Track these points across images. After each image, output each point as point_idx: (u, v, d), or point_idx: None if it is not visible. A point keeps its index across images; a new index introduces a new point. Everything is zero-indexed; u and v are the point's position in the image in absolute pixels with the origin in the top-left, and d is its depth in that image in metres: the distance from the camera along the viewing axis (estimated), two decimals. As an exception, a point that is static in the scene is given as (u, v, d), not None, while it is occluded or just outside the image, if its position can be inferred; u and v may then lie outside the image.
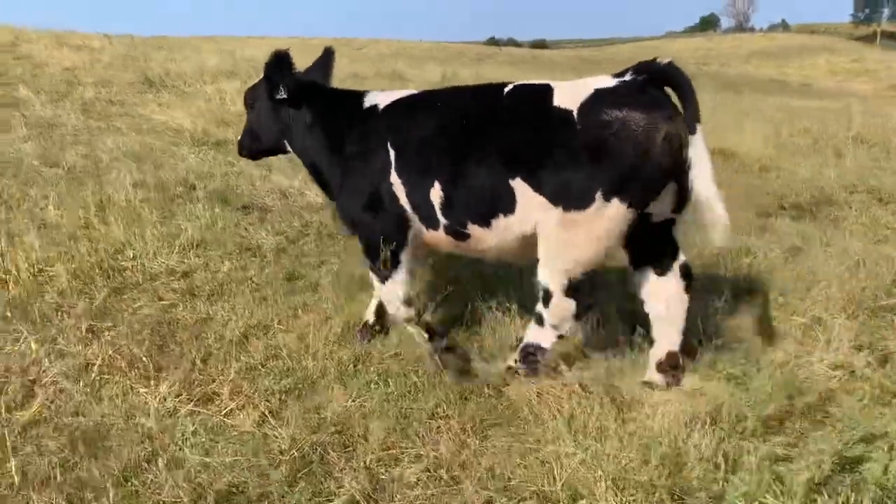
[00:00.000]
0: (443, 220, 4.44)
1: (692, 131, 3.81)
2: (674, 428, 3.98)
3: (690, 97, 3.86)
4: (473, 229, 4.36)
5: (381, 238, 4.65)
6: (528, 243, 4.26)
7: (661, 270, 4.31)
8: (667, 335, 4.39)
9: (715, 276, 6.25)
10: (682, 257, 4.32)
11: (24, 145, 11.13)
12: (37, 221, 7.70)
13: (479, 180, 4.20)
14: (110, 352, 5.04)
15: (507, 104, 4.24)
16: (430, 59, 49.96)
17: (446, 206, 4.36)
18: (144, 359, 4.95)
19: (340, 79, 5.59)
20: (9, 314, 5.65)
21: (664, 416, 4.05)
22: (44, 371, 4.87)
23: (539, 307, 4.38)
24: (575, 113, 3.92)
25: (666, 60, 3.96)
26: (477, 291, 5.72)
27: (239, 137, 5.42)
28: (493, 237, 4.33)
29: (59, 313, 5.78)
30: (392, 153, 4.53)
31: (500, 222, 4.23)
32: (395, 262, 4.73)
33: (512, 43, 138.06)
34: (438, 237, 4.62)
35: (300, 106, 4.89)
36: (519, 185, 4.08)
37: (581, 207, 3.93)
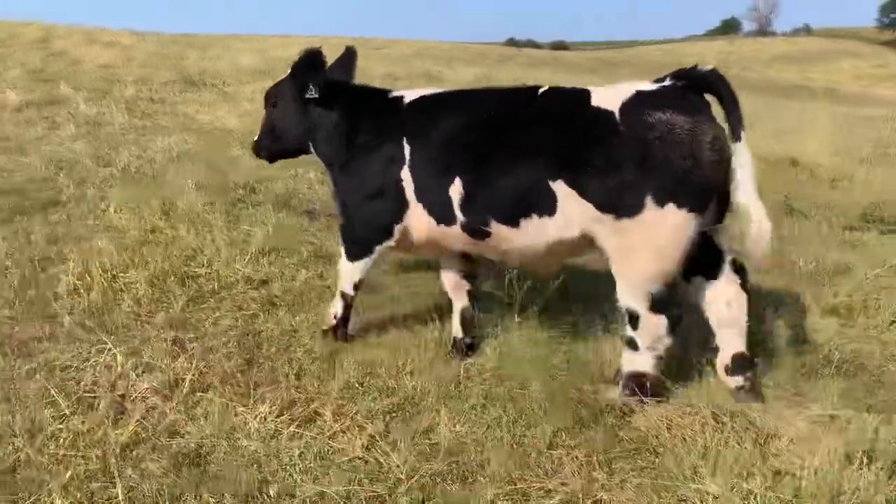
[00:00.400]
0: (460, 217, 4.36)
1: (737, 139, 3.76)
2: (824, 465, 3.68)
3: (734, 104, 3.80)
4: (498, 228, 4.25)
5: (367, 228, 4.73)
6: (558, 249, 4.23)
7: (713, 274, 4.19)
8: (730, 337, 4.23)
9: (820, 293, 5.95)
10: (728, 256, 4.18)
11: (74, 144, 10.98)
12: (101, 224, 7.47)
13: (510, 179, 4.12)
14: (201, 366, 4.78)
15: (544, 105, 4.19)
16: (453, 59, 49.65)
17: (466, 202, 4.28)
18: (238, 375, 4.70)
19: (372, 80, 5.32)
20: (88, 323, 5.43)
21: (812, 453, 3.75)
22: (132, 386, 4.65)
23: (628, 330, 4.21)
24: (616, 114, 3.83)
25: (708, 67, 3.90)
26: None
27: (256, 137, 5.25)
28: (520, 237, 4.21)
29: (139, 323, 5.56)
30: (406, 146, 4.48)
31: (533, 223, 4.13)
32: (369, 251, 4.81)
33: (531, 44, 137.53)
34: (450, 233, 4.51)
35: (330, 105, 4.80)
36: (560, 188, 3.99)
37: (631, 214, 3.82)
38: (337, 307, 5.09)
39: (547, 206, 4.05)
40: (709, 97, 3.99)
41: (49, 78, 17.43)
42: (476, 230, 4.39)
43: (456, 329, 5.11)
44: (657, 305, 4.04)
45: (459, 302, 5.11)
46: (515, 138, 4.16)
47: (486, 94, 4.75)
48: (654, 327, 4.09)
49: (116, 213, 7.82)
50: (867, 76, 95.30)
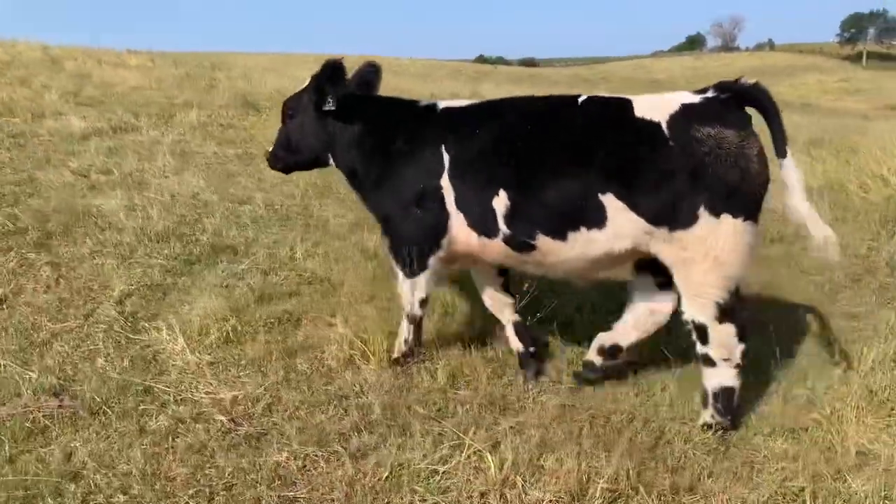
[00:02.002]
0: (504, 230, 4.22)
1: (782, 154, 3.74)
2: None
3: (777, 118, 3.78)
4: (543, 241, 4.13)
5: (415, 240, 4.52)
6: (605, 262, 4.19)
7: (665, 285, 4.28)
8: (627, 334, 4.54)
9: None
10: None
11: (186, 178, 9.85)
12: (305, 277, 6.48)
13: (558, 192, 4.01)
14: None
15: (585, 116, 4.08)
16: (429, 76, 49.11)
17: (511, 215, 4.16)
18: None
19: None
20: (398, 406, 4.46)
21: None
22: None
23: (699, 348, 4.10)
24: (664, 127, 3.78)
25: (752, 81, 3.88)
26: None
27: (271, 149, 5.06)
28: (568, 250, 4.10)
29: (454, 404, 4.58)
30: (446, 158, 4.33)
31: (582, 236, 4.02)
32: (424, 265, 4.58)
33: (501, 61, 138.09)
34: (492, 246, 4.36)
35: (350, 117, 4.66)
36: (610, 201, 3.89)
37: (685, 226, 3.78)
38: (406, 332, 4.88)
39: (596, 218, 3.94)
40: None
41: (89, 102, 16.22)
42: (521, 243, 4.24)
43: (515, 344, 4.97)
44: (724, 315, 3.94)
45: (507, 316, 4.99)
46: (558, 150, 4.06)
47: (522, 104, 4.47)
48: (724, 337, 3.99)
49: (308, 258, 6.79)
50: (833, 90, 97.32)
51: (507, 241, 4.28)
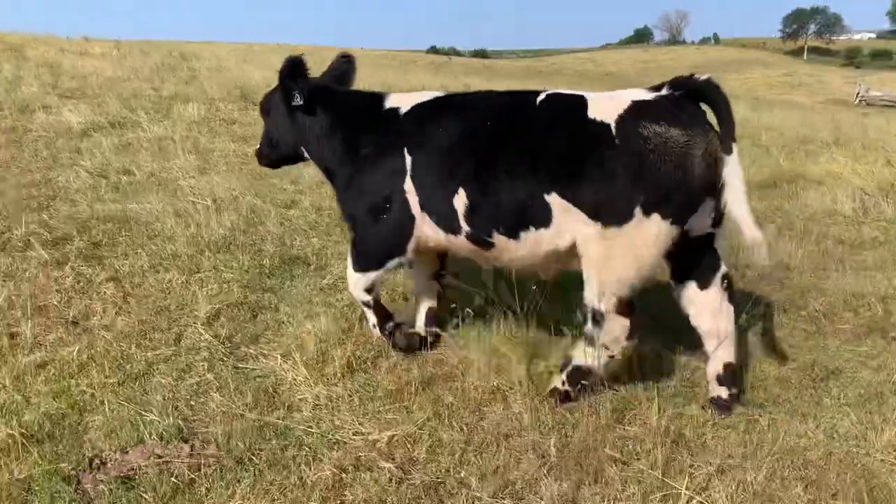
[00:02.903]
0: (465, 228, 4.26)
1: (728, 151, 3.70)
2: None
3: (727, 115, 3.75)
4: (499, 239, 4.17)
5: (378, 243, 4.61)
6: (559, 257, 4.16)
7: (704, 283, 4.20)
8: (720, 349, 4.29)
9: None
10: (723, 268, 4.21)
11: (216, 179, 9.21)
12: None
13: (509, 191, 4.03)
14: None
15: (541, 114, 4.08)
16: (385, 67, 48.37)
17: (470, 213, 4.19)
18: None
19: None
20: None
21: None
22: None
23: (589, 327, 4.14)
24: (613, 126, 3.79)
25: (704, 76, 3.88)
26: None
27: (258, 146, 5.22)
28: (521, 249, 4.15)
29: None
30: (409, 157, 4.34)
31: (531, 235, 4.06)
32: (380, 265, 4.67)
33: (454, 52, 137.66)
34: (458, 243, 4.42)
35: (315, 111, 4.69)
36: (554, 200, 3.92)
37: (620, 223, 3.80)
38: (371, 318, 4.97)
39: (542, 217, 3.99)
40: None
41: (70, 94, 15.33)
42: (480, 241, 4.29)
43: (420, 323, 5.15)
44: (623, 308, 4.03)
45: (428, 301, 5.14)
46: (512, 147, 4.08)
47: (484, 100, 4.49)
48: (617, 329, 4.08)
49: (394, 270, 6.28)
50: (778, 84, 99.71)
51: (468, 238, 4.32)
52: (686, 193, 3.79)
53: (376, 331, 4.96)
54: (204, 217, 7.46)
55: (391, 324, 4.95)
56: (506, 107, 4.27)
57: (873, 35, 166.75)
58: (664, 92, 3.91)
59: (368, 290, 4.81)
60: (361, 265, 4.72)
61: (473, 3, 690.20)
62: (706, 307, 4.25)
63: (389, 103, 4.67)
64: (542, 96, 4.14)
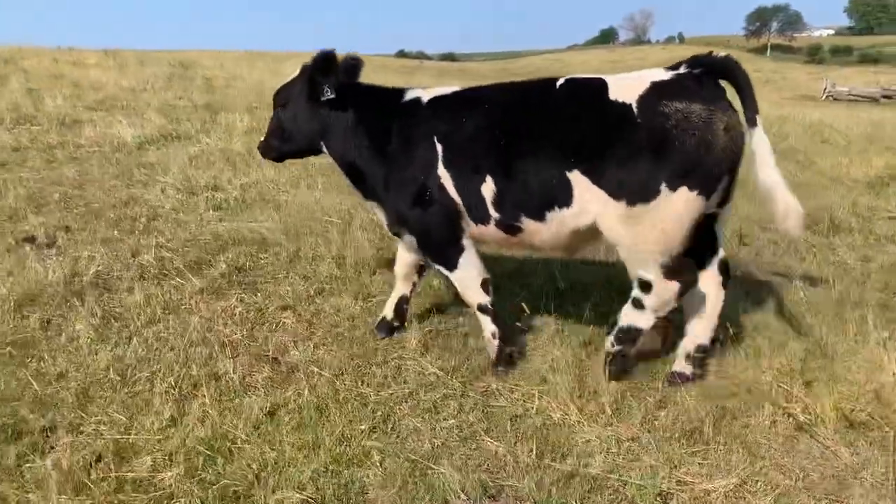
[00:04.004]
0: (494, 215, 4.27)
1: (753, 123, 3.76)
2: None
3: (748, 90, 3.81)
4: (527, 223, 4.19)
5: (437, 229, 4.49)
6: (584, 236, 4.20)
7: (701, 264, 4.24)
8: (700, 327, 4.37)
9: None
10: (721, 253, 4.27)
11: (315, 193, 8.66)
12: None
13: (534, 174, 4.06)
14: None
15: (562, 98, 4.10)
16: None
17: (499, 200, 4.20)
18: None
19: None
20: None
21: None
22: None
23: (636, 292, 4.18)
24: (634, 105, 3.80)
25: (722, 53, 3.92)
26: None
27: (263, 139, 5.06)
28: (547, 231, 4.17)
29: None
30: (439, 147, 4.35)
31: (555, 215, 4.08)
32: (459, 249, 4.53)
33: (423, 56, 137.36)
34: (488, 232, 4.42)
35: (345, 106, 4.62)
36: (578, 178, 3.95)
37: (646, 200, 3.81)
38: (487, 326, 4.67)
39: (566, 197, 4.02)
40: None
41: (98, 106, 14.61)
42: (509, 226, 4.30)
43: (389, 310, 5.16)
44: (669, 273, 4.02)
45: (404, 289, 5.16)
46: (536, 132, 4.10)
47: (505, 89, 4.49)
48: (666, 292, 4.09)
49: (574, 290, 5.81)
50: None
51: (497, 225, 4.33)
52: (711, 165, 3.77)
53: (495, 342, 4.65)
54: (337, 235, 6.88)
55: (508, 347, 4.71)
56: (528, 93, 4.29)
57: (832, 32, 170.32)
58: (682, 70, 3.91)
59: (486, 288, 4.60)
60: (451, 258, 4.55)
61: (436, 7, 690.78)
62: (698, 287, 4.26)
63: (412, 96, 4.63)
64: (561, 80, 4.16)
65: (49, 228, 7.10)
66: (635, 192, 3.84)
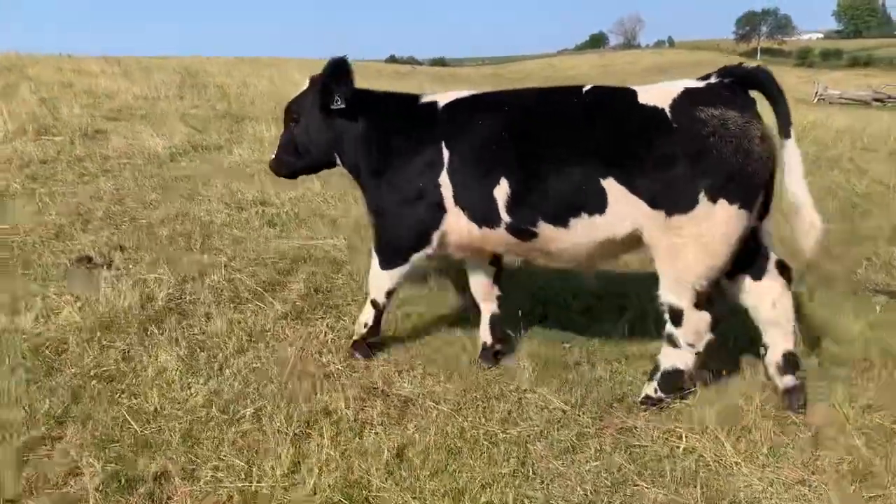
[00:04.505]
0: (506, 219, 4.15)
1: (786, 135, 3.72)
2: None
3: (782, 101, 3.77)
4: (545, 228, 4.07)
5: (405, 236, 4.48)
6: (611, 247, 4.13)
7: (758, 274, 4.14)
8: (780, 336, 4.20)
9: None
10: (774, 255, 4.13)
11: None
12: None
13: (559, 180, 3.96)
14: None
15: (591, 104, 4.03)
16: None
17: (513, 204, 4.09)
18: None
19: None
20: None
21: None
22: None
23: (669, 328, 4.08)
24: (668, 112, 3.74)
25: (754, 65, 3.90)
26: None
27: (274, 155, 4.96)
28: (570, 237, 4.05)
29: None
30: (445, 151, 4.27)
31: (583, 222, 3.97)
32: (405, 260, 4.56)
33: (413, 61, 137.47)
34: (494, 235, 4.30)
35: (356, 114, 4.54)
36: (612, 186, 3.86)
37: (685, 211, 3.73)
38: (367, 317, 4.77)
39: (598, 204, 3.91)
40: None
41: (117, 116, 14.30)
42: (523, 231, 4.18)
43: (485, 335, 4.92)
44: (702, 302, 3.94)
45: (489, 307, 4.93)
46: (565, 138, 4.01)
47: (528, 95, 4.48)
48: (698, 324, 4.00)
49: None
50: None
51: (508, 229, 4.23)
52: (749, 176, 3.71)
53: (363, 329, 4.80)
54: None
55: (375, 336, 4.89)
56: (553, 98, 4.27)
57: (821, 35, 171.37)
58: (714, 80, 3.88)
59: (389, 294, 4.72)
60: (392, 262, 4.59)
61: (425, 12, 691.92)
62: (763, 297, 4.15)
63: (426, 100, 4.57)
64: (588, 87, 4.14)
65: (101, 247, 6.75)
66: (673, 202, 3.77)
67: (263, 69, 31.55)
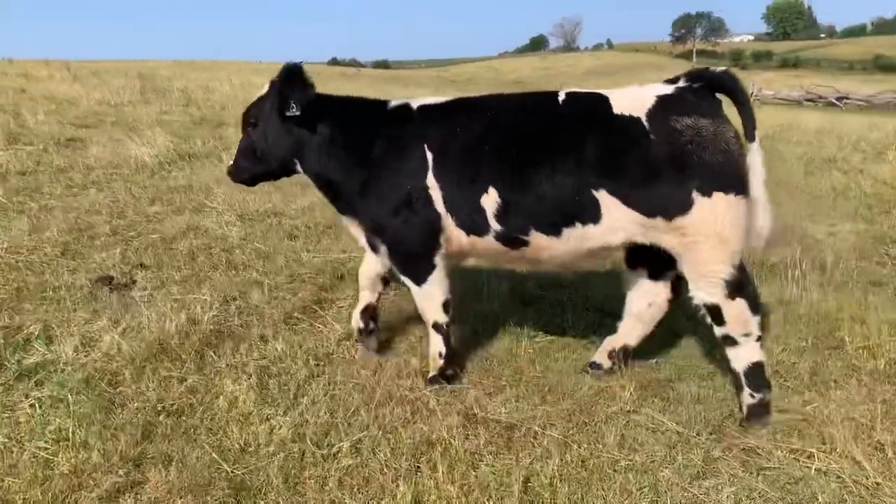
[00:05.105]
0: (495, 227, 4.12)
1: (751, 139, 3.78)
2: None
3: (747, 105, 3.83)
4: (536, 237, 4.06)
5: (414, 243, 4.33)
6: (600, 254, 4.23)
7: (655, 275, 4.38)
8: (632, 331, 4.54)
9: None
10: (680, 272, 4.14)
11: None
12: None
13: (548, 189, 3.95)
14: None
15: (568, 112, 4.06)
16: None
17: (502, 213, 4.06)
18: None
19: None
20: None
21: None
22: None
23: (717, 331, 4.06)
24: (644, 121, 3.82)
25: (720, 68, 3.97)
26: None
27: (232, 161, 4.76)
28: (561, 245, 4.06)
29: None
30: (430, 158, 4.20)
31: (576, 232, 3.99)
32: (431, 266, 4.37)
33: (356, 63, 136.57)
34: (483, 244, 4.26)
35: (314, 121, 4.39)
36: (604, 197, 3.89)
37: (683, 213, 3.79)
38: (437, 344, 4.55)
39: (591, 214, 3.94)
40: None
41: (87, 124, 13.65)
42: (513, 240, 4.17)
43: (356, 320, 4.92)
44: (734, 290, 3.91)
45: (370, 298, 4.91)
46: (540, 147, 4.01)
47: (497, 102, 4.40)
48: (740, 314, 3.96)
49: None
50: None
51: (497, 238, 4.19)
52: (733, 167, 3.78)
53: (440, 361, 4.53)
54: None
55: (451, 368, 4.60)
56: (533, 106, 4.22)
57: (752, 38, 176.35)
58: (682, 84, 3.91)
59: (446, 308, 4.49)
60: (420, 273, 4.41)
61: (366, 14, 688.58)
62: (646, 295, 4.45)
63: (395, 106, 4.47)
64: (562, 95, 4.12)
65: (118, 265, 6.30)
66: (668, 207, 3.82)
67: (218, 72, 30.76)
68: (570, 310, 5.68)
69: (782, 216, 8.67)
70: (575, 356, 4.92)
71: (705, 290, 3.96)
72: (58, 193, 8.75)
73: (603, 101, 3.97)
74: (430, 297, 4.46)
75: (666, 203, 3.82)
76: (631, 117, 3.85)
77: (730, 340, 4.05)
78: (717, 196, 3.77)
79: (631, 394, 4.39)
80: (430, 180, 4.22)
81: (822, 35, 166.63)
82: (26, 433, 3.94)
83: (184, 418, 4.14)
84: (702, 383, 4.63)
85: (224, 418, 4.12)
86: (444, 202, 4.22)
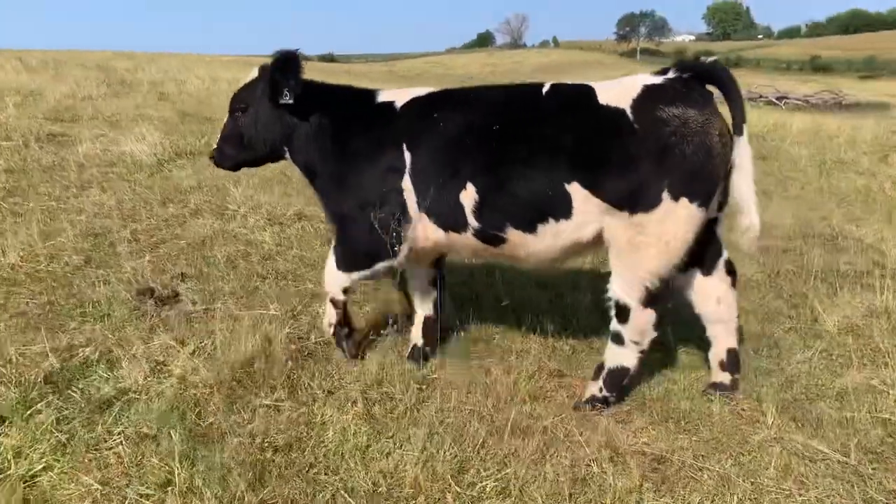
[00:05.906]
0: (474, 224, 4.04)
1: (739, 133, 3.71)
2: None
3: (737, 97, 3.75)
4: (513, 234, 3.98)
5: (369, 242, 4.22)
6: (577, 249, 4.10)
7: (707, 270, 4.19)
8: (723, 332, 4.31)
9: None
10: (725, 253, 4.19)
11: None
12: None
13: (524, 184, 3.87)
14: None
15: (551, 104, 3.95)
16: (239, 71, 45.89)
17: (480, 209, 3.98)
18: None
19: None
20: None
21: None
22: None
23: (614, 325, 4.04)
24: (629, 111, 3.70)
25: (710, 59, 3.92)
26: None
27: (216, 146, 4.67)
28: (538, 242, 3.97)
29: None
30: (408, 154, 4.10)
31: (550, 228, 3.90)
32: (369, 265, 4.37)
33: (302, 56, 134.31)
34: (462, 241, 4.19)
35: (307, 109, 4.35)
36: (576, 190, 3.79)
37: (647, 209, 3.69)
38: (331, 315, 4.56)
39: (563, 209, 3.85)
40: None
41: (66, 118, 12.91)
42: (491, 237, 4.08)
43: (416, 336, 4.80)
44: (650, 300, 3.91)
45: (424, 310, 4.80)
46: (526, 140, 3.91)
47: (486, 94, 4.33)
48: (644, 323, 3.97)
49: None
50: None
51: (476, 235, 4.10)
52: (709, 174, 3.69)
53: (330, 329, 4.57)
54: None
55: (346, 330, 4.60)
56: (514, 98, 4.11)
57: (693, 37, 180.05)
58: (672, 75, 3.81)
59: (346, 290, 4.51)
60: (347, 266, 4.40)
61: (304, 4, 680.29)
62: (710, 294, 4.19)
63: (383, 98, 4.37)
64: (547, 87, 3.99)
65: (153, 275, 5.74)
66: (636, 201, 3.71)
67: (168, 63, 29.64)
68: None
69: (825, 218, 8.56)
70: (693, 375, 4.57)
71: (626, 290, 3.89)
72: (56, 194, 8.07)
73: (587, 93, 3.85)
74: (341, 281, 4.47)
75: (636, 195, 3.70)
76: (615, 108, 3.73)
77: (619, 339, 4.04)
78: (682, 202, 3.68)
79: (775, 418, 4.07)
80: (406, 180, 4.13)
81: (760, 36, 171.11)
82: (121, 477, 3.41)
83: (294, 455, 3.67)
84: (833, 404, 4.33)
85: (339, 453, 3.66)
86: (422, 200, 4.11)
